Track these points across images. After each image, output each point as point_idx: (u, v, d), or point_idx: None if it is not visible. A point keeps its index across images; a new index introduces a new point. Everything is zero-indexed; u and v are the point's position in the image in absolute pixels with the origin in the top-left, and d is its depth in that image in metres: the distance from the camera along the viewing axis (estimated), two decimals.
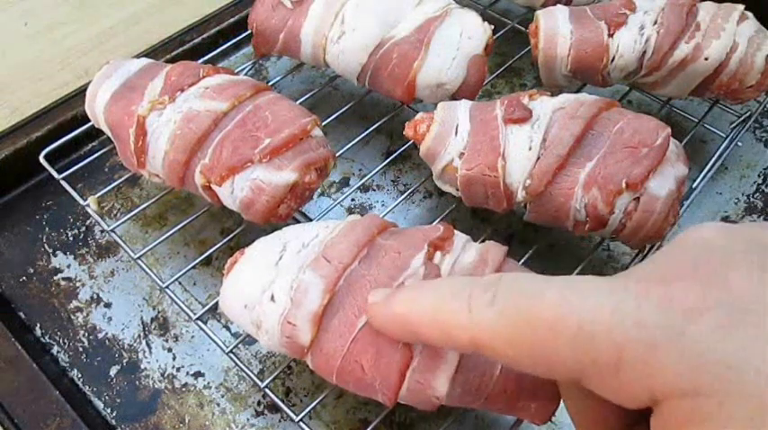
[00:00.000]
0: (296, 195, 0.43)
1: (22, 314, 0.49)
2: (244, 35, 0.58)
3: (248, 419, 0.44)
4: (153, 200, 0.49)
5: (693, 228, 0.23)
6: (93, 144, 0.57)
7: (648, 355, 0.20)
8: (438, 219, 0.47)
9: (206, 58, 0.58)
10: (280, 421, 0.44)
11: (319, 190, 0.51)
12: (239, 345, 0.44)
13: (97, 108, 0.46)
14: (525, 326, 0.22)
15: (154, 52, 0.61)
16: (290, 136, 0.43)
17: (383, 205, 0.54)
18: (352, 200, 0.55)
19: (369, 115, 0.58)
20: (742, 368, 0.18)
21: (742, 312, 0.19)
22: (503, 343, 0.23)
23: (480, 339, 0.23)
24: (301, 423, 0.39)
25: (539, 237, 0.48)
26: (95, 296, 0.49)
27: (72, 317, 0.48)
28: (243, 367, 0.41)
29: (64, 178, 0.49)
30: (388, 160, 0.52)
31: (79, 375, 0.46)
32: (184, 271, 0.46)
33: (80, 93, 0.55)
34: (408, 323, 0.27)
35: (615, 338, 0.20)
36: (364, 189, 0.55)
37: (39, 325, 0.48)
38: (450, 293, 0.25)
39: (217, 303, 0.41)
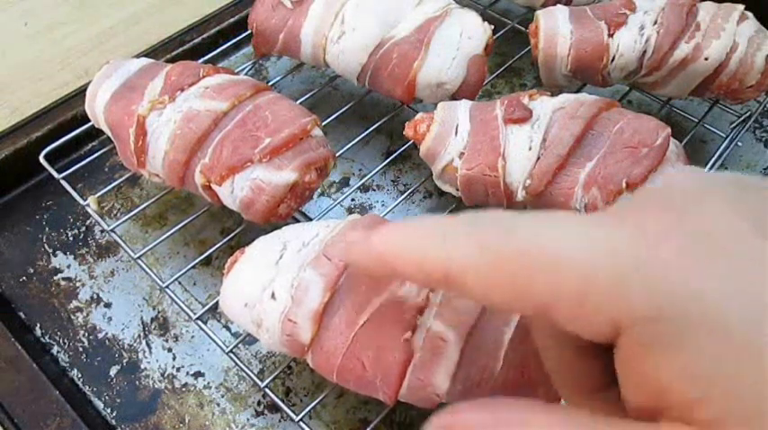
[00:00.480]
0: (296, 195, 0.43)
1: (22, 314, 0.48)
2: (244, 35, 0.58)
3: (248, 419, 0.44)
4: (153, 200, 0.49)
5: (673, 171, 0.22)
6: (93, 144, 0.57)
7: (613, 283, 0.19)
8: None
9: (206, 58, 0.58)
10: (280, 421, 0.43)
11: (319, 190, 0.51)
12: (239, 345, 0.44)
13: (97, 108, 0.46)
14: (496, 258, 0.21)
15: (154, 52, 0.61)
16: (290, 136, 0.43)
17: (383, 205, 0.54)
18: (352, 200, 0.55)
19: (369, 115, 0.58)
20: (706, 295, 0.18)
21: (712, 241, 0.19)
22: (474, 275, 0.22)
23: (453, 272, 0.23)
24: (301, 423, 0.39)
25: None
26: (95, 296, 0.49)
27: (72, 317, 0.48)
28: (243, 367, 0.41)
29: (64, 178, 0.49)
30: (388, 160, 0.52)
31: (79, 375, 0.46)
32: (184, 271, 0.46)
33: (80, 93, 0.55)
34: (385, 259, 0.26)
35: (582, 266, 0.20)
36: (364, 189, 0.55)
37: (39, 325, 0.48)
38: (426, 228, 0.24)
39: (217, 303, 0.41)
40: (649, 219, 0.20)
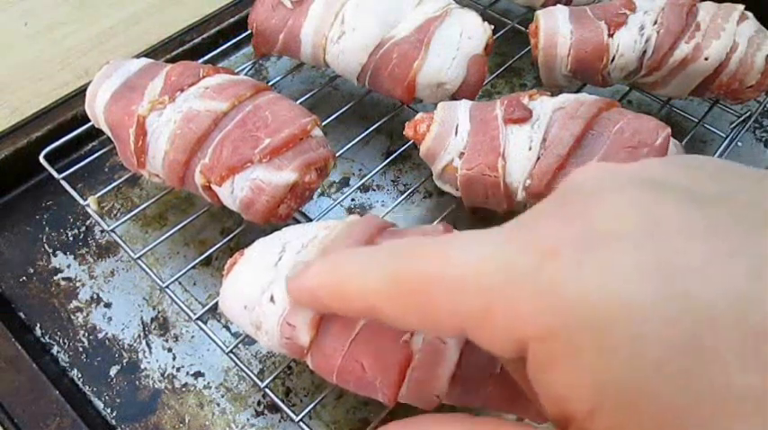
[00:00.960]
0: (296, 195, 0.43)
1: (22, 314, 0.49)
2: (244, 35, 0.58)
3: (248, 419, 0.44)
4: (153, 200, 0.49)
5: (578, 170, 0.21)
6: (93, 144, 0.57)
7: (510, 300, 0.19)
8: (438, 219, 0.47)
9: (206, 58, 0.58)
10: (280, 421, 0.44)
11: (319, 190, 0.51)
12: (239, 345, 0.44)
13: (97, 108, 0.46)
14: (405, 287, 0.22)
15: (154, 52, 0.61)
16: (290, 136, 0.43)
17: (383, 205, 0.54)
18: (352, 200, 0.55)
19: (369, 115, 0.58)
20: (590, 300, 0.17)
21: (598, 242, 0.18)
22: (389, 305, 0.22)
23: (373, 303, 0.23)
24: (301, 423, 0.39)
25: None
26: (95, 296, 0.49)
27: (72, 317, 0.48)
28: (243, 367, 0.41)
29: (64, 178, 0.49)
30: (388, 160, 0.52)
31: (79, 375, 0.46)
32: (184, 271, 0.46)
33: (80, 93, 0.55)
34: (315, 294, 0.26)
35: (482, 286, 0.19)
36: (364, 189, 0.55)
37: (39, 325, 0.48)
38: (350, 262, 0.25)
39: (217, 303, 0.41)
40: (540, 228, 0.20)
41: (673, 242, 0.17)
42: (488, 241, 0.20)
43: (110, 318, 0.48)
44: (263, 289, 0.36)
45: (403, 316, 0.22)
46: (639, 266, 0.17)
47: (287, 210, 0.44)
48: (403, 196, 0.50)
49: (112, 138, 0.47)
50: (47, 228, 0.53)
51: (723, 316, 0.16)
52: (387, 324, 0.23)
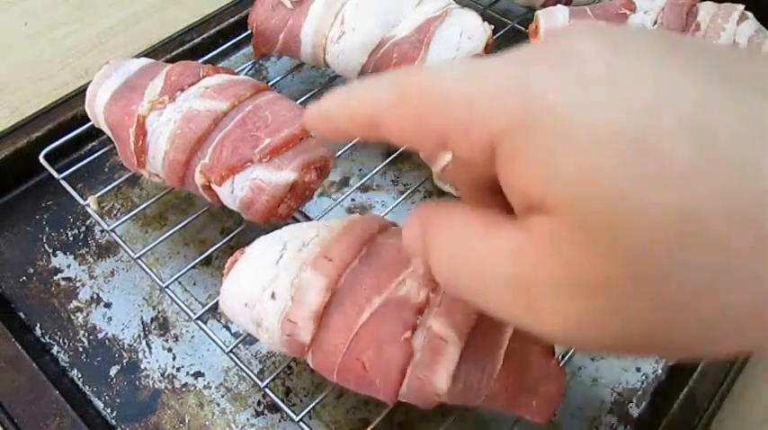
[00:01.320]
0: (296, 195, 0.43)
1: (22, 314, 0.49)
2: (244, 35, 0.58)
3: (248, 419, 0.44)
4: (153, 200, 0.49)
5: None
6: (93, 144, 0.57)
7: (487, 105, 0.22)
8: None
9: (206, 58, 0.58)
10: (280, 421, 0.43)
11: (319, 190, 0.51)
12: (239, 345, 0.44)
13: (97, 108, 0.46)
14: (406, 98, 0.25)
15: (154, 52, 0.61)
16: (290, 136, 0.43)
17: (383, 205, 0.54)
18: (352, 200, 0.55)
19: None
20: (559, 105, 0.20)
21: (571, 60, 0.21)
22: (391, 115, 0.25)
23: (376, 115, 0.26)
24: (301, 423, 0.39)
25: None
26: (95, 296, 0.49)
27: (72, 317, 0.48)
28: (243, 367, 0.41)
29: (64, 178, 0.49)
30: (389, 160, 0.52)
31: (79, 375, 0.46)
32: (184, 271, 0.46)
33: (80, 93, 0.55)
34: (328, 114, 0.29)
35: (466, 96, 0.22)
36: (364, 189, 0.55)
37: (39, 325, 0.48)
38: (358, 85, 0.27)
39: (217, 303, 0.41)
40: (524, 49, 0.23)
41: (631, 63, 0.20)
42: (479, 63, 0.23)
43: (110, 318, 0.48)
44: (263, 286, 0.36)
45: (401, 127, 0.25)
46: (599, 76, 0.20)
47: (287, 209, 0.44)
48: (403, 196, 0.50)
49: (112, 138, 0.47)
50: (47, 228, 0.53)
51: (666, 118, 0.19)
52: (386, 139, 0.26)
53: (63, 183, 0.48)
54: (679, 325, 0.20)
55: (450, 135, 0.23)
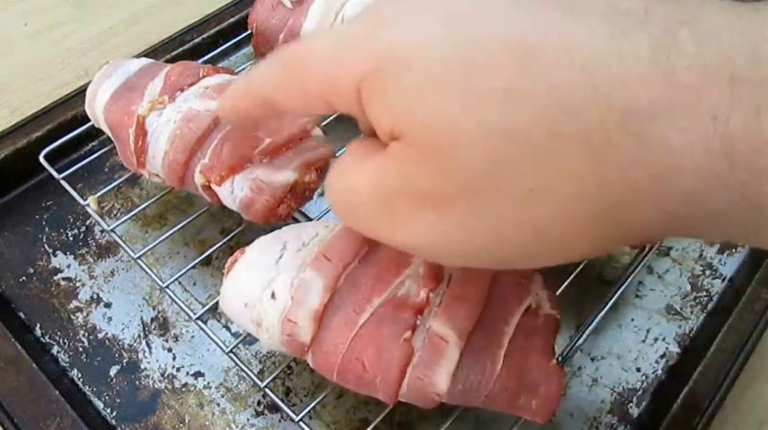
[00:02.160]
0: (296, 195, 0.43)
1: (22, 314, 0.49)
2: (244, 35, 0.58)
3: (248, 419, 0.44)
4: (153, 200, 0.49)
5: None
6: (93, 144, 0.57)
7: (346, 57, 0.24)
8: None
9: (206, 58, 0.58)
10: (280, 421, 0.43)
11: (319, 190, 0.51)
12: (239, 345, 0.44)
13: (97, 108, 0.46)
14: (285, 68, 0.27)
15: (154, 52, 0.61)
16: (291, 136, 0.43)
17: None
18: None
19: None
20: (398, 46, 0.22)
21: (415, 5, 0.23)
22: (277, 88, 0.28)
23: (266, 93, 0.29)
24: (301, 423, 0.39)
25: None
26: (95, 296, 0.49)
27: (72, 317, 0.48)
28: (243, 367, 0.41)
29: (64, 178, 0.49)
30: None
31: (79, 375, 0.46)
32: (184, 271, 0.45)
33: (80, 93, 0.55)
34: (234, 103, 0.32)
35: (329, 52, 0.25)
36: None
37: (39, 325, 0.48)
38: (255, 68, 0.30)
39: (217, 303, 0.41)
40: (376, 9, 0.25)
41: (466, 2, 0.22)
42: (344, 28, 0.26)
43: (110, 318, 0.48)
44: (264, 286, 0.36)
45: (290, 98, 0.28)
46: (437, 17, 0.22)
47: (287, 209, 0.44)
48: None
49: (112, 138, 0.47)
50: (47, 228, 0.53)
51: (494, 51, 0.21)
52: (281, 110, 0.29)
53: (63, 183, 0.48)
54: (515, 233, 0.22)
55: (327, 94, 0.26)
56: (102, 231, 0.52)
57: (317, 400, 0.40)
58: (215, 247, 0.46)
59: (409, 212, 0.24)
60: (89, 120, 0.49)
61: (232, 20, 0.64)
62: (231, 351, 0.41)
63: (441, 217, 0.23)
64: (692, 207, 0.20)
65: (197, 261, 0.46)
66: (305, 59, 0.26)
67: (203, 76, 0.46)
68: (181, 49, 0.61)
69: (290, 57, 0.27)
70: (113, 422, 0.44)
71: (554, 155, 0.20)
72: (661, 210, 0.20)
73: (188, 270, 0.46)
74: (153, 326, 0.48)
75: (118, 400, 0.44)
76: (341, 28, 0.26)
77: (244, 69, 0.58)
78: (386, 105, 0.23)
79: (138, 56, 0.56)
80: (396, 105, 0.23)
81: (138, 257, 0.45)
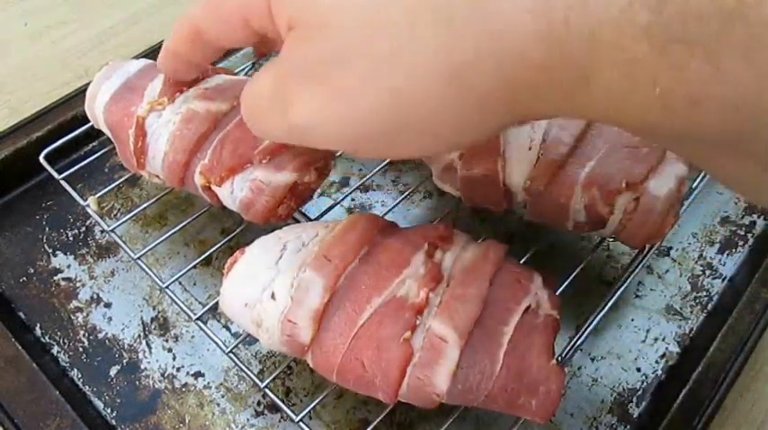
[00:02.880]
0: (296, 195, 0.43)
1: (21, 314, 0.49)
2: None
3: (248, 419, 0.44)
4: (153, 200, 0.49)
5: None
6: (94, 144, 0.57)
7: None
8: (438, 219, 0.47)
9: None
10: (280, 421, 0.44)
11: (319, 190, 0.51)
12: (239, 345, 0.44)
13: (97, 109, 0.46)
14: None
15: (154, 52, 0.60)
16: None
17: (383, 205, 0.54)
18: (352, 200, 0.55)
19: None
20: None
21: None
22: (205, 20, 0.32)
23: (197, 26, 0.32)
24: (301, 423, 0.39)
25: (539, 237, 0.48)
26: (95, 296, 0.49)
27: (72, 317, 0.48)
28: (243, 367, 0.41)
29: (64, 178, 0.49)
30: (388, 160, 0.52)
31: (79, 375, 0.46)
32: (184, 271, 0.46)
33: (80, 93, 0.55)
34: (172, 50, 0.36)
35: None
36: (364, 189, 0.55)
37: (39, 325, 0.48)
38: (186, 12, 0.33)
39: (217, 303, 0.41)
40: None
41: None
42: None
43: (110, 318, 0.48)
44: (264, 286, 0.36)
45: (212, 26, 0.31)
46: None
47: (287, 210, 0.44)
48: (403, 196, 0.50)
49: (112, 139, 0.47)
50: (47, 228, 0.53)
51: None
52: (210, 42, 0.33)
53: (63, 183, 0.48)
54: (376, 98, 0.25)
55: (244, 11, 0.29)
56: (102, 231, 0.52)
57: (317, 400, 0.40)
58: (215, 248, 0.46)
59: (299, 93, 0.27)
60: (89, 121, 0.49)
61: None
62: (231, 351, 0.41)
63: (323, 90, 0.26)
64: (523, 66, 0.22)
65: (197, 261, 0.46)
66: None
67: (203, 77, 0.46)
68: None
69: None
70: (113, 422, 0.44)
71: (410, 24, 0.23)
72: (501, 72, 0.23)
73: (188, 270, 0.46)
74: (153, 327, 0.48)
75: (118, 400, 0.44)
76: None
77: (244, 70, 0.58)
78: (285, 3, 0.26)
79: (137, 56, 0.57)
80: (293, 4, 0.26)
81: (138, 257, 0.45)
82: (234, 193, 0.43)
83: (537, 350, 0.36)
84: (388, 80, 0.24)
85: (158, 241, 0.46)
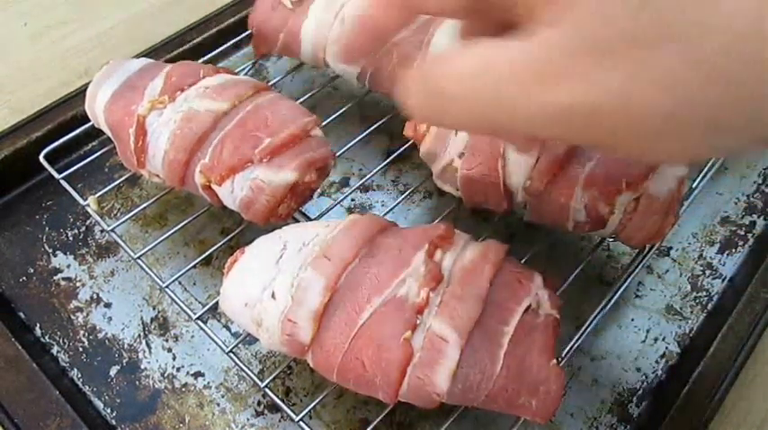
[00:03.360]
0: (296, 195, 0.43)
1: (21, 314, 0.49)
2: (244, 35, 0.58)
3: (248, 419, 0.44)
4: (153, 200, 0.49)
5: None
6: (93, 144, 0.57)
7: None
8: (438, 219, 0.47)
9: (206, 57, 0.58)
10: (280, 421, 0.43)
11: (319, 190, 0.51)
12: (239, 345, 0.44)
13: (97, 108, 0.46)
14: None
15: (154, 52, 0.61)
16: (291, 136, 0.43)
17: (383, 205, 0.54)
18: (352, 200, 0.55)
19: (369, 115, 0.58)
20: None
21: None
22: None
23: None
24: (301, 423, 0.39)
25: (539, 237, 0.48)
26: (95, 296, 0.49)
27: (72, 317, 0.48)
28: (243, 367, 0.41)
29: (64, 178, 0.49)
30: (388, 160, 0.52)
31: (79, 375, 0.46)
32: (184, 271, 0.46)
33: (80, 93, 0.55)
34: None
35: None
36: (364, 189, 0.55)
37: (39, 325, 0.48)
38: None
39: (217, 303, 0.41)
40: None
41: None
42: None
43: (110, 318, 0.48)
44: (264, 286, 0.36)
45: None
46: None
47: (287, 209, 0.44)
48: (403, 196, 0.50)
49: (112, 138, 0.47)
50: (47, 228, 0.53)
51: None
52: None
53: (63, 182, 0.49)
54: (687, 74, 0.20)
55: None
56: (102, 231, 0.52)
57: (317, 400, 0.40)
58: (215, 247, 0.46)
59: (586, 70, 0.22)
60: (89, 120, 0.49)
61: (232, 20, 0.64)
62: (231, 351, 0.41)
63: (630, 68, 0.21)
64: None
65: (197, 261, 0.46)
66: None
67: (204, 77, 0.46)
68: (181, 49, 0.61)
69: None
70: (113, 422, 0.44)
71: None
72: None
73: (188, 270, 0.46)
74: (153, 327, 0.48)
75: (118, 400, 0.44)
76: None
77: (244, 69, 0.58)
78: None
79: (137, 56, 0.57)
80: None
81: (139, 257, 0.45)
82: (234, 192, 0.43)
83: (537, 350, 0.36)
84: (725, 68, 0.20)
85: (158, 241, 0.46)
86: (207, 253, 0.46)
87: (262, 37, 0.55)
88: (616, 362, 0.47)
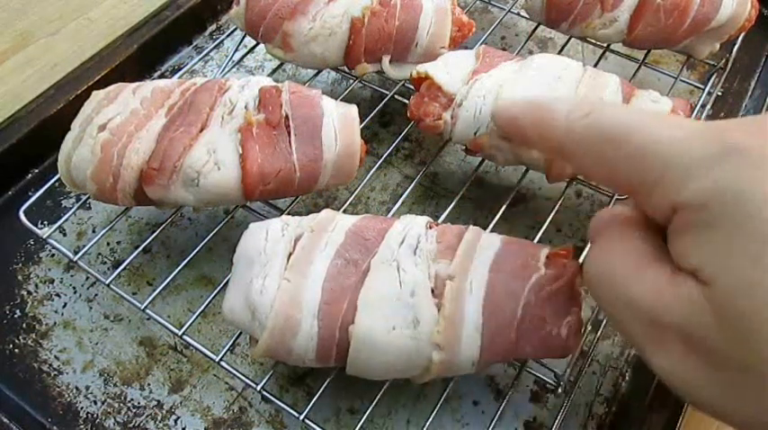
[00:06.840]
0: None
1: None
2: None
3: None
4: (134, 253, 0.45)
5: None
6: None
7: (682, 176, 0.24)
8: (439, 220, 0.44)
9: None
10: (280, 420, 0.42)
11: (317, 192, 0.49)
12: (234, 346, 0.43)
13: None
14: (599, 140, 0.27)
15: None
16: None
17: (383, 205, 0.53)
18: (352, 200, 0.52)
19: (369, 115, 0.56)
20: (742, 193, 0.22)
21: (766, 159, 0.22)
22: (581, 148, 0.28)
23: (566, 144, 0.28)
24: (305, 420, 0.38)
25: (538, 237, 0.46)
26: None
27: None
28: (235, 373, 0.40)
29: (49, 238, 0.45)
30: (388, 160, 0.51)
31: None
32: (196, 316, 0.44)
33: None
34: (517, 122, 0.31)
35: (663, 158, 0.24)
36: (363, 189, 0.53)
37: None
38: (555, 102, 0.30)
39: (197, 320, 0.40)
40: (728, 131, 0.24)
41: None
42: (680, 125, 0.25)
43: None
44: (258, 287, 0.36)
45: (587, 161, 0.28)
46: None
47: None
48: (403, 196, 0.47)
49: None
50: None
51: None
52: (568, 162, 0.30)
53: (51, 241, 0.45)
54: None
55: (638, 191, 0.26)
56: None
57: (316, 398, 0.38)
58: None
59: (677, 351, 0.24)
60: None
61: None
62: (222, 359, 0.40)
63: (718, 376, 0.23)
64: None
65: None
66: (631, 132, 0.26)
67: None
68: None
69: (611, 129, 0.27)
70: None
71: None
72: None
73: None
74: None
75: None
76: (688, 131, 0.25)
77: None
78: (705, 249, 0.23)
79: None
80: (719, 258, 0.22)
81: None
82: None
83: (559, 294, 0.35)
84: None
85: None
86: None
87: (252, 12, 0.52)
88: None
